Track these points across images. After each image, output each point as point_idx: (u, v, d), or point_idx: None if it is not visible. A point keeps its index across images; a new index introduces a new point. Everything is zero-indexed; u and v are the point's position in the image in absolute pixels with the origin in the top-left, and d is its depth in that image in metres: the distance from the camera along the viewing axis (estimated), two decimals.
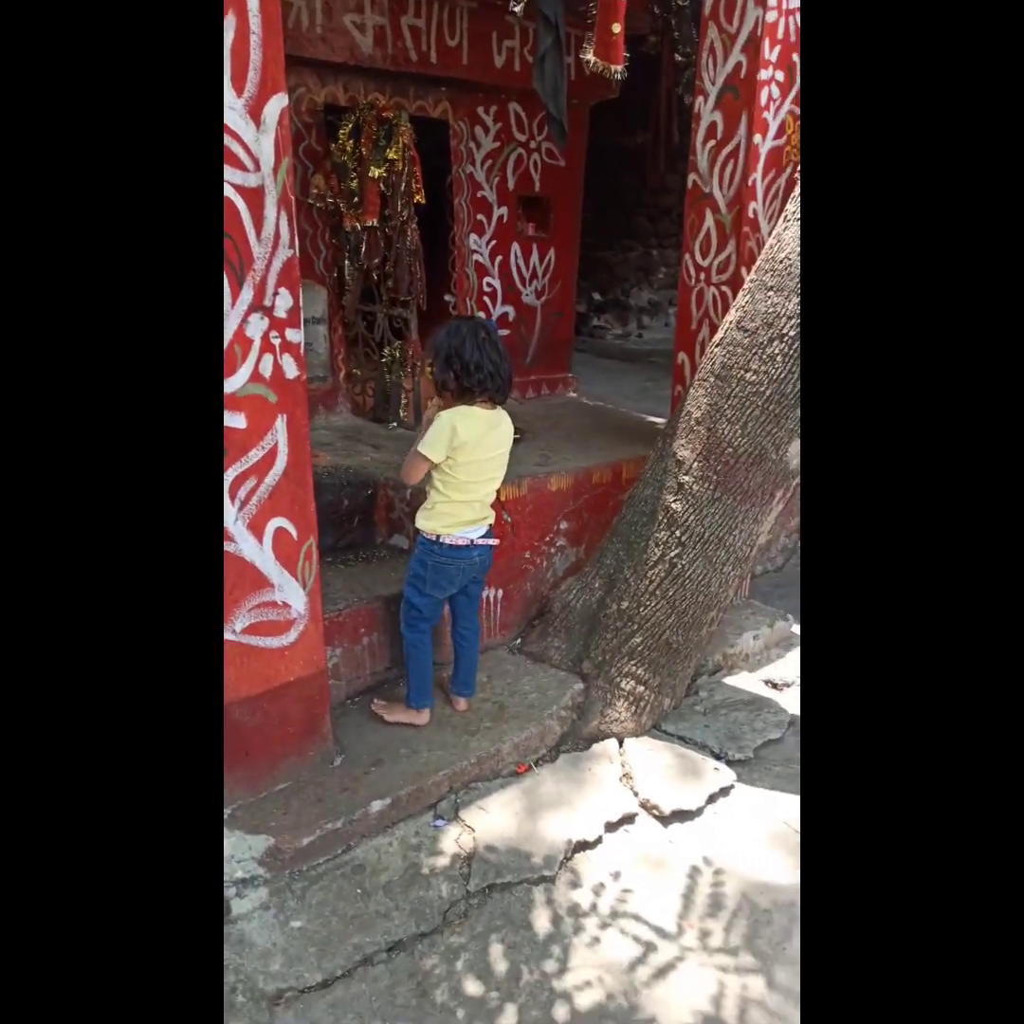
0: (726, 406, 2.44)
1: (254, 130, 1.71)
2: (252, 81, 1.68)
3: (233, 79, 1.66)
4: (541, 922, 1.91)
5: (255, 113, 1.70)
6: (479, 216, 3.87)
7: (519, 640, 2.95)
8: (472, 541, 2.28)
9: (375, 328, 3.49)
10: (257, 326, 1.81)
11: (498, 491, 2.37)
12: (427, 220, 3.38)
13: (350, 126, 3.18)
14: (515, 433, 2.60)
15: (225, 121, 1.66)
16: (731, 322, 2.49)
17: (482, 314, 4.00)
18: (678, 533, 2.54)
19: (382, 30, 3.16)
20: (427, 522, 2.25)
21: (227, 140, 1.67)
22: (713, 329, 3.05)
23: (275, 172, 1.76)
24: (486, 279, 3.99)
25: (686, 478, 2.54)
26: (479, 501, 2.28)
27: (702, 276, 3.12)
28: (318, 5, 2.97)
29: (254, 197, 1.73)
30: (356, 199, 3.18)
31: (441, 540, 2.25)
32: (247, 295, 1.78)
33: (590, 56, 2.55)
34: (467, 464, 2.19)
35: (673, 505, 2.56)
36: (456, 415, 2.15)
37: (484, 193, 3.86)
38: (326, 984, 1.74)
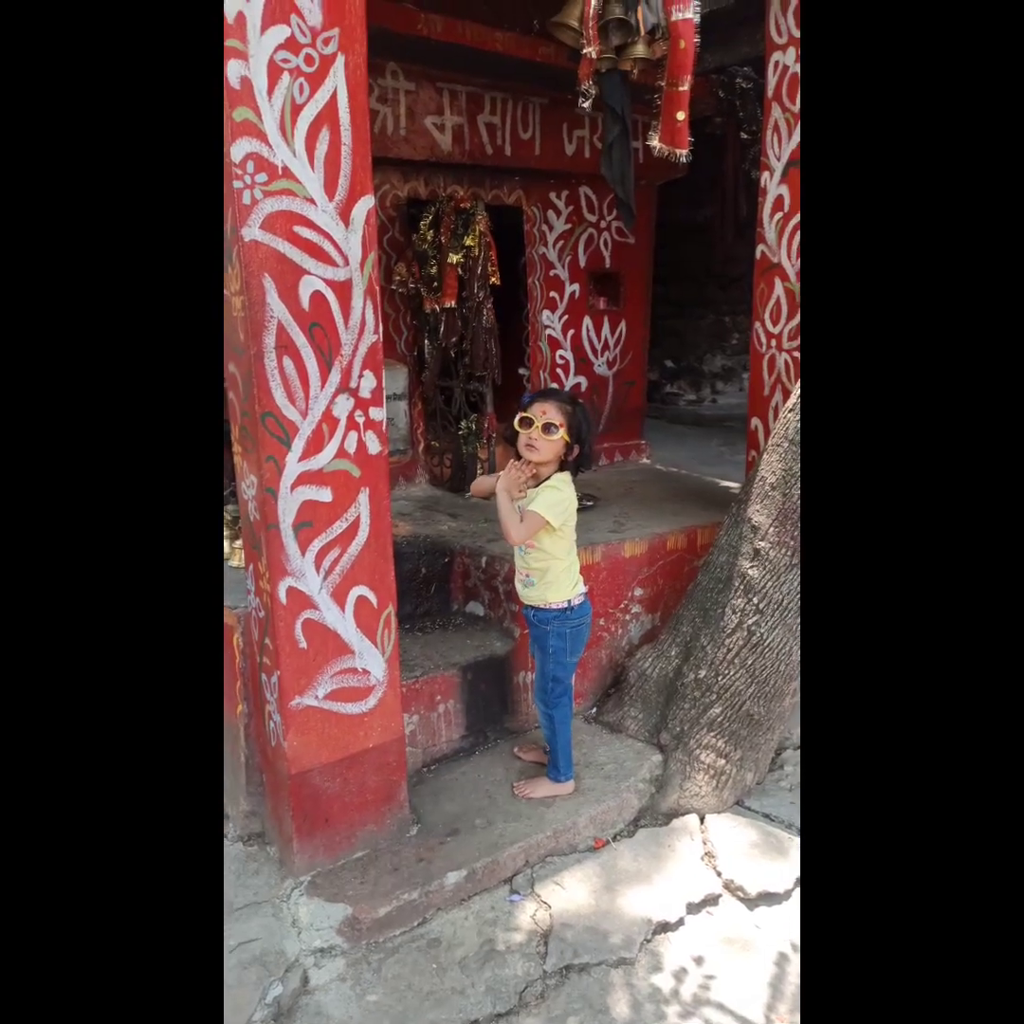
0: (801, 471, 2.42)
1: (343, 229, 1.86)
2: (342, 186, 1.84)
3: (325, 185, 1.82)
4: (620, 1007, 1.84)
5: (345, 215, 1.85)
6: (552, 293, 4.02)
7: (594, 709, 2.92)
8: (585, 595, 2.36)
9: (452, 402, 3.63)
10: (343, 406, 1.93)
11: None
12: (502, 299, 3.54)
13: (430, 217, 3.39)
14: (587, 499, 2.67)
15: (317, 222, 1.82)
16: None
17: (555, 385, 4.12)
18: (755, 600, 2.50)
19: (460, 128, 3.39)
20: (558, 594, 2.29)
21: (319, 239, 1.83)
22: (786, 394, 3.04)
23: (362, 266, 1.90)
24: (559, 352, 4.11)
25: (762, 544, 2.51)
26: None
27: (773, 343, 3.14)
28: (402, 110, 3.22)
29: (343, 290, 1.87)
30: (436, 284, 3.37)
31: (572, 604, 2.30)
32: (335, 378, 1.90)
33: (656, 142, 2.68)
34: (575, 525, 2.28)
35: (750, 571, 2.52)
36: (566, 484, 2.23)
37: (556, 272, 4.01)
38: None
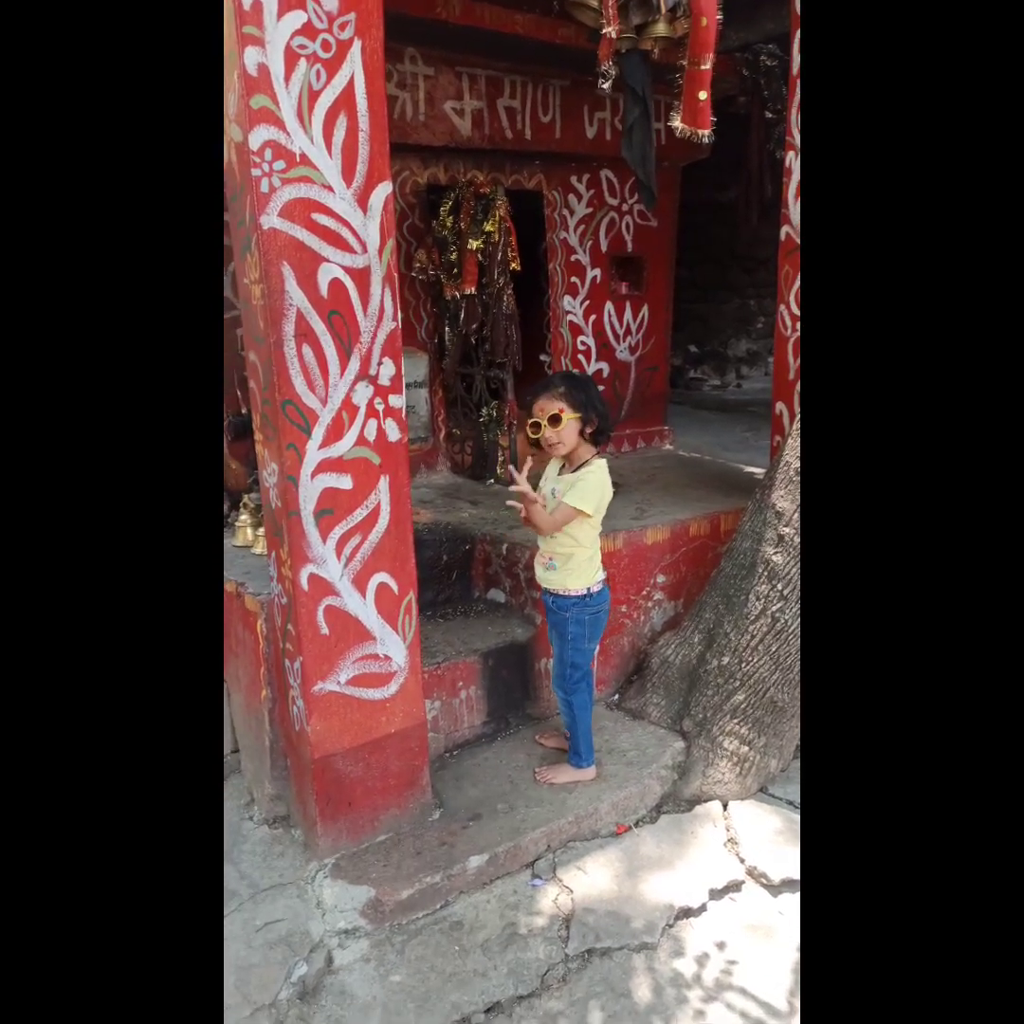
0: None
1: (361, 216, 1.86)
2: (360, 173, 1.83)
3: (343, 172, 1.82)
4: (642, 991, 1.85)
5: (363, 201, 1.85)
6: (572, 279, 3.99)
7: (617, 696, 2.92)
8: (604, 581, 2.35)
9: (473, 389, 3.63)
10: (363, 394, 1.93)
11: None
12: (522, 284, 3.52)
13: (450, 203, 3.38)
14: None
15: (336, 209, 1.82)
16: None
17: (577, 371, 4.09)
18: (780, 586, 2.48)
19: (480, 113, 3.36)
20: (579, 581, 2.29)
21: (337, 226, 1.83)
22: None
23: (380, 253, 1.90)
24: (580, 338, 4.08)
25: (786, 530, 2.48)
26: None
27: (798, 326, 3.09)
28: (421, 96, 3.20)
29: (361, 277, 1.87)
30: (456, 270, 3.36)
31: (591, 590, 2.31)
32: (354, 366, 1.91)
33: (678, 123, 2.63)
34: (604, 513, 2.26)
35: (773, 557, 2.50)
36: (603, 470, 2.23)
37: (577, 256, 3.98)
38: None
